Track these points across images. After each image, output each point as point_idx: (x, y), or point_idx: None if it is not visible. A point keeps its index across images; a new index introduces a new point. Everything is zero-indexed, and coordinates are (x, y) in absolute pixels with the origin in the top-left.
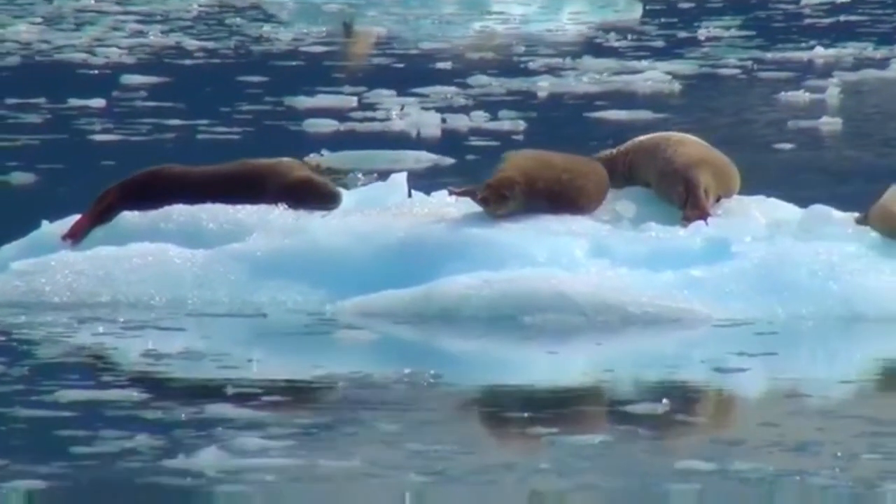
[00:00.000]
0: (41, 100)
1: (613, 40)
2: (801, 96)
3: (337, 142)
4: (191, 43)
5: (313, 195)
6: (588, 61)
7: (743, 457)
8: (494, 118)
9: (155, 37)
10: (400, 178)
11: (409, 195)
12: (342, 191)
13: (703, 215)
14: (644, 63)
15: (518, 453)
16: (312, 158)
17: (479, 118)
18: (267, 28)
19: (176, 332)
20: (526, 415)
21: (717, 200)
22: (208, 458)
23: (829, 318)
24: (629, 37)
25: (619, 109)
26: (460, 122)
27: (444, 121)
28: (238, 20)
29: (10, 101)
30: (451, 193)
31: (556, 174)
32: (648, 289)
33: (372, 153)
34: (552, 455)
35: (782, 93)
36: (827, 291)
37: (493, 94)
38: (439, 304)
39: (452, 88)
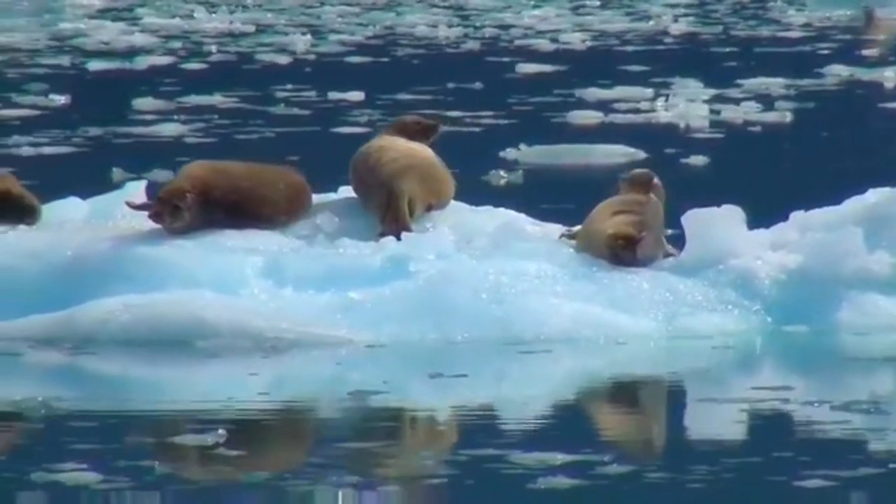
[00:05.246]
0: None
1: None
2: None
3: (597, 134)
4: (677, 28)
5: (10, 209)
6: None
7: (269, 488)
8: (770, 109)
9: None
10: (137, 188)
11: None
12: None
13: (400, 229)
14: None
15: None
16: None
17: (751, 109)
18: (791, 12)
19: None
20: (85, 447)
21: (428, 209)
22: None
23: (483, 341)
24: None
25: None
26: (733, 113)
27: (715, 112)
28: (775, 3)
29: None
30: (129, 206)
31: (234, 182)
32: (298, 312)
33: (566, 147)
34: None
35: None
36: (486, 313)
37: (823, 84)
38: (81, 328)
39: (779, 80)
